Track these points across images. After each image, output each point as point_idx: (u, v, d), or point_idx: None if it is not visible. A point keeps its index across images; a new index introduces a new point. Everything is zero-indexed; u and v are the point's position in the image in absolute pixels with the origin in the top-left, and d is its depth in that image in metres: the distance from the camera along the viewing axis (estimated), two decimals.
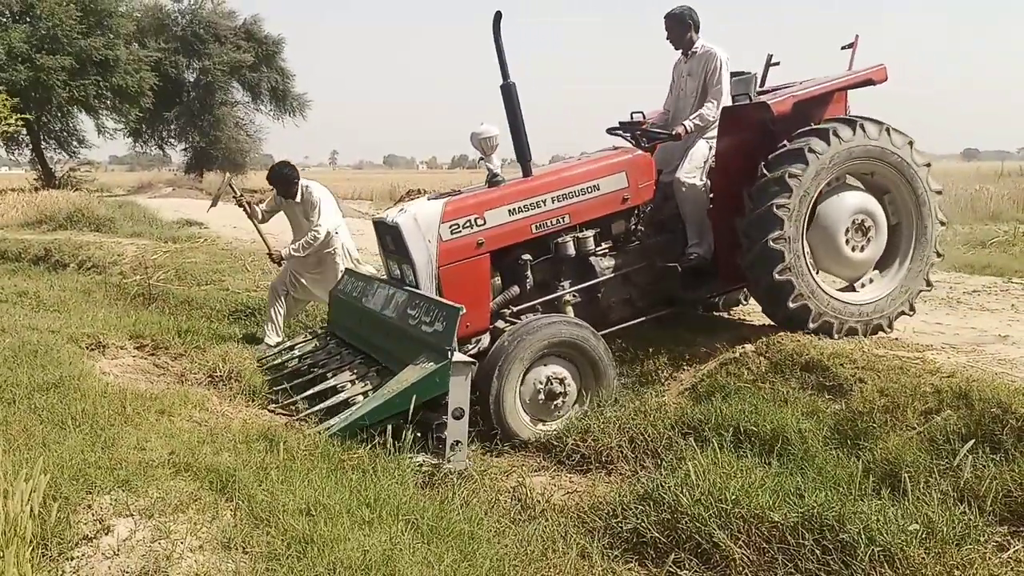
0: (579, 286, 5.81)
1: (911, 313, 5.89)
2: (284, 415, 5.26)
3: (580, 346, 5.28)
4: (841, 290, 5.84)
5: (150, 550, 3.11)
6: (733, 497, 3.80)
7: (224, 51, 35.31)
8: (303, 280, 7.35)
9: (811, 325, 5.49)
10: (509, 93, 5.61)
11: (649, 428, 4.96)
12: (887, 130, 5.62)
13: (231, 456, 4.07)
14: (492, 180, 5.80)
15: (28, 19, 28.06)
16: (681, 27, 6.06)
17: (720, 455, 4.25)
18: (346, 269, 7.09)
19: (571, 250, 5.75)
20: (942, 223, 5.92)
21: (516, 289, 5.71)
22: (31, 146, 31.86)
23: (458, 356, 4.77)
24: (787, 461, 4.32)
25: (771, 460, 4.32)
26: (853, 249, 5.68)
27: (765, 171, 5.48)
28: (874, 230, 5.72)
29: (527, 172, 5.80)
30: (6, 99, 22.74)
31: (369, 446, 4.52)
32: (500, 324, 5.57)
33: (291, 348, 6.63)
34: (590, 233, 5.80)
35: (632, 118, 6.22)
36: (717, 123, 5.89)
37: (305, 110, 38.85)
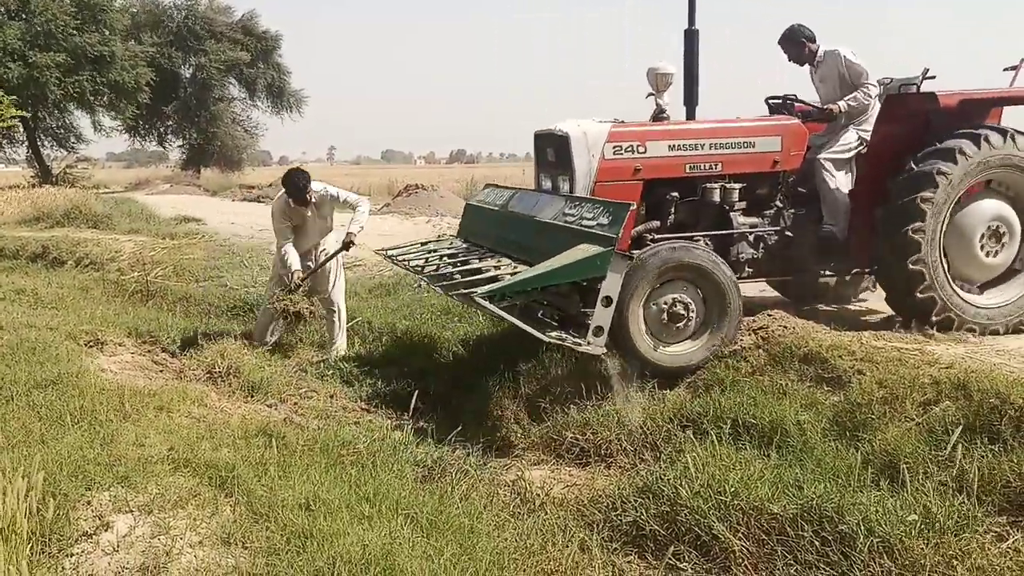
0: (713, 233, 5.94)
1: None
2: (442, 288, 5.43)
3: (709, 273, 5.36)
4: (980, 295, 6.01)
5: (150, 546, 3.11)
6: (732, 489, 3.80)
7: (221, 47, 35.21)
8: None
9: (934, 318, 5.66)
10: (691, 39, 6.03)
11: (648, 421, 4.96)
12: (1011, 136, 5.76)
13: (230, 452, 4.07)
14: (658, 116, 6.09)
15: (23, 16, 27.96)
16: (797, 46, 6.35)
17: (719, 447, 4.25)
18: (487, 184, 7.19)
19: (716, 197, 5.90)
20: None
21: (656, 223, 5.85)
22: (27, 143, 31.78)
23: (621, 251, 4.91)
24: (786, 453, 4.31)
25: (770, 452, 4.31)
26: (987, 254, 5.85)
27: (914, 165, 5.68)
28: (1008, 237, 5.88)
29: (691, 115, 6.21)
30: (2, 96, 22.64)
31: (368, 441, 4.53)
32: (636, 252, 5.59)
33: (427, 245, 6.77)
34: (736, 186, 5.94)
35: (782, 97, 6.50)
36: (870, 113, 6.15)
37: (302, 106, 38.78)
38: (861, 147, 6.17)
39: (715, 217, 5.99)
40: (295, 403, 5.59)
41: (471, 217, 6.98)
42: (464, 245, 6.53)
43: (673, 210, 5.91)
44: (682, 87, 6.10)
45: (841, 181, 6.10)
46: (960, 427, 4.04)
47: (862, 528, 3.43)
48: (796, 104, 6.34)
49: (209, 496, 3.53)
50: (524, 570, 3.36)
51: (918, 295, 5.64)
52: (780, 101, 6.46)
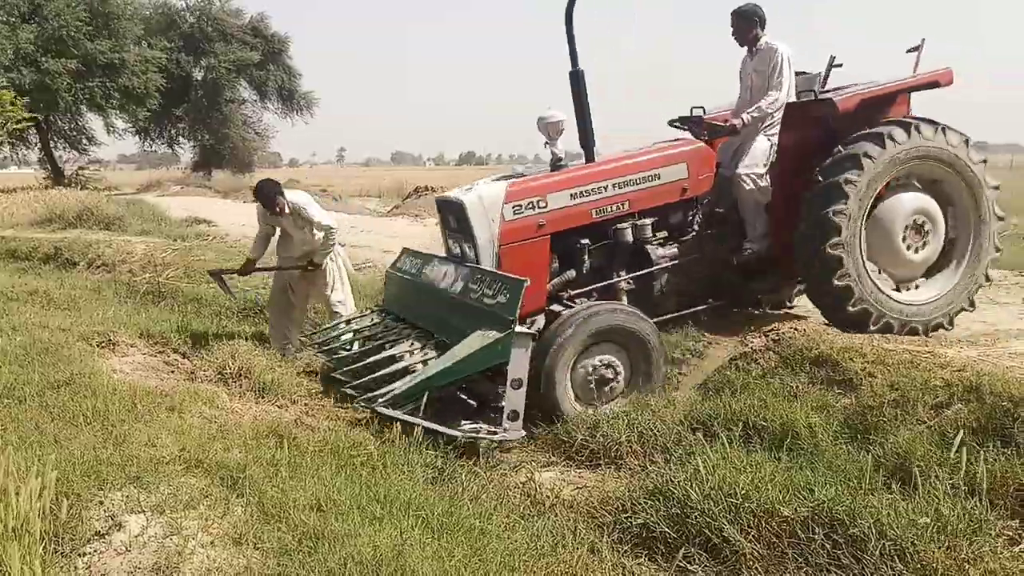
0: (634, 274, 5.88)
1: (971, 309, 5.99)
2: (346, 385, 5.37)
3: (634, 334, 5.31)
4: (896, 290, 5.91)
5: (162, 546, 3.12)
6: (743, 492, 3.78)
7: (231, 49, 35.33)
8: (297, 288, 7.33)
9: (872, 327, 5.58)
10: (577, 80, 5.71)
11: (658, 423, 4.95)
12: (942, 130, 5.70)
13: (241, 452, 4.08)
14: (556, 164, 5.93)
15: (35, 20, 28.13)
16: (747, 24, 6.15)
17: (729, 450, 4.24)
18: (404, 248, 7.14)
19: (628, 237, 5.82)
20: (1000, 218, 5.98)
21: (572, 273, 5.81)
22: (40, 145, 31.97)
23: (520, 328, 4.85)
24: (797, 455, 4.30)
25: (781, 455, 4.30)
26: (910, 249, 5.76)
27: (820, 177, 5.59)
28: (931, 230, 5.79)
29: (590, 158, 5.91)
30: (15, 97, 22.79)
31: (378, 442, 4.54)
32: (556, 307, 5.64)
33: (349, 322, 6.72)
34: (648, 221, 5.88)
35: (692, 113, 6.33)
36: (778, 119, 5.97)
37: (312, 108, 38.89)
38: (773, 155, 6.03)
39: (632, 256, 5.91)
40: (306, 404, 5.59)
41: (391, 286, 6.83)
42: (381, 320, 6.41)
43: (587, 257, 5.83)
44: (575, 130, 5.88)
45: (759, 194, 5.97)
46: (967, 429, 4.03)
47: (874, 531, 3.42)
48: (698, 124, 6.14)
49: (221, 496, 3.54)
50: (534, 571, 3.36)
51: (850, 309, 5.57)
52: (682, 122, 6.30)
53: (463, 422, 4.93)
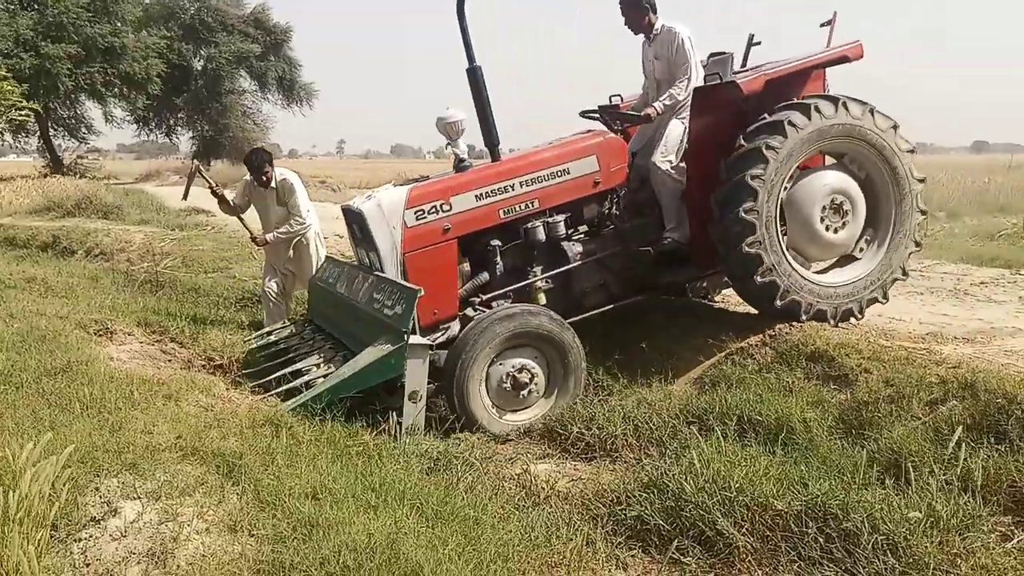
0: (550, 272, 5.73)
1: (884, 301, 5.76)
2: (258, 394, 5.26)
3: (548, 336, 5.22)
4: (816, 272, 5.72)
5: (157, 532, 3.13)
6: (737, 485, 3.80)
7: (232, 40, 35.27)
8: (285, 273, 7.39)
9: (777, 303, 5.40)
10: (475, 76, 5.50)
11: (654, 417, 4.98)
12: (871, 111, 5.50)
13: (237, 441, 4.09)
14: (459, 166, 5.73)
15: (35, 6, 28.06)
16: (637, 11, 5.91)
17: (724, 444, 4.25)
18: (326, 256, 7.11)
19: (541, 235, 5.65)
20: (923, 212, 5.79)
21: (485, 276, 5.64)
22: (39, 133, 31.93)
23: (415, 339, 4.76)
24: (791, 450, 4.33)
25: (775, 449, 4.32)
26: (828, 230, 5.53)
27: (743, 142, 5.36)
28: (851, 212, 5.57)
29: (495, 157, 5.74)
30: (13, 85, 22.75)
31: (375, 432, 4.55)
32: (470, 312, 5.49)
33: (269, 334, 6.59)
34: (561, 218, 5.71)
35: (611, 101, 6.18)
36: (686, 103, 5.78)
37: (312, 99, 38.84)
38: (686, 135, 5.83)
39: (547, 254, 5.77)
40: None
41: (314, 296, 6.71)
42: (299, 332, 6.35)
43: (499, 259, 5.66)
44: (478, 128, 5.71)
45: (677, 180, 5.78)
46: (962, 426, 4.04)
47: (866, 525, 3.43)
48: (611, 114, 6.01)
49: (216, 484, 3.55)
50: (528, 562, 3.37)
51: (757, 279, 5.33)
52: (596, 113, 6.13)
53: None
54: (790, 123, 5.30)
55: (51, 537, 3.02)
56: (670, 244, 5.76)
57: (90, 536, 3.11)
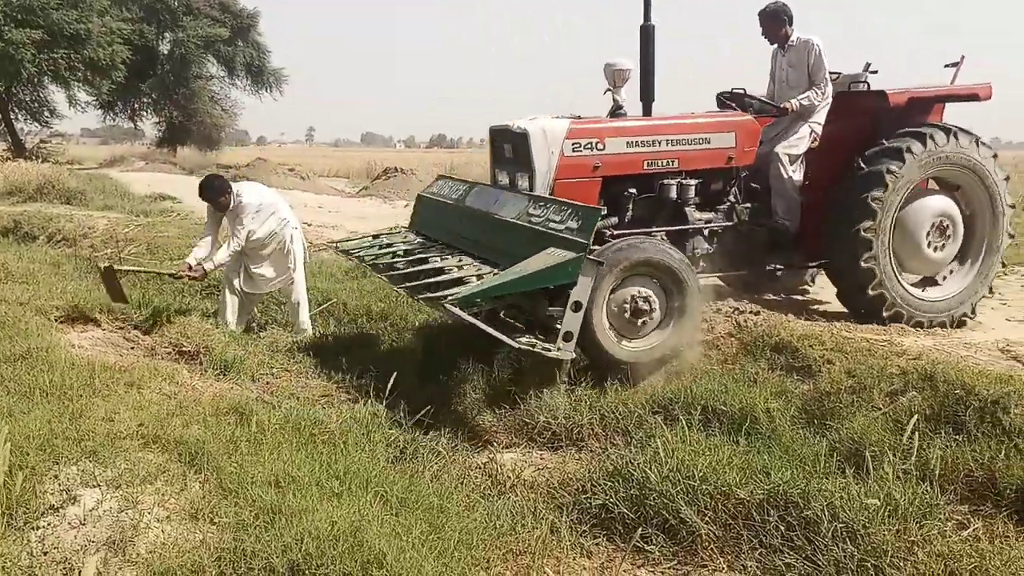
0: (670, 228, 5.98)
1: (972, 316, 6.27)
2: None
3: (667, 267, 5.35)
4: (914, 285, 6.20)
5: (116, 520, 3.09)
6: (701, 474, 3.84)
7: (198, 24, 34.72)
8: (254, 273, 7.25)
9: (884, 314, 5.91)
10: (647, 34, 6.02)
11: (620, 407, 5.00)
12: (976, 141, 6.00)
13: (200, 429, 4.04)
14: (615, 112, 6.17)
15: None
16: (776, 23, 6.43)
17: (689, 433, 4.29)
18: (439, 176, 7.21)
19: (672, 194, 5.97)
20: (1011, 236, 6.33)
21: (614, 220, 5.88)
22: (1, 117, 31.26)
23: (592, 256, 4.92)
24: (755, 440, 4.36)
25: (739, 439, 4.36)
26: (932, 248, 6.03)
27: (863, 164, 5.84)
28: (952, 233, 6.07)
29: (648, 111, 6.15)
30: None
31: (340, 421, 4.53)
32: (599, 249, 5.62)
33: (379, 239, 6.72)
34: (692, 182, 6.03)
35: (733, 92, 6.57)
36: (821, 109, 6.29)
37: (281, 86, 38.37)
38: (813, 142, 6.25)
39: (671, 213, 6.06)
40: (267, 383, 5.56)
41: (424, 210, 6.81)
42: (418, 240, 6.41)
43: (631, 206, 5.93)
44: (638, 83, 6.18)
45: (794, 174, 6.18)
46: (921, 416, 4.12)
47: (826, 514, 3.48)
48: (749, 98, 6.38)
49: (178, 472, 3.52)
50: (493, 550, 3.38)
51: (870, 292, 5.80)
52: (731, 97, 6.50)
53: (519, 336, 4.94)
54: (908, 150, 5.85)
55: (8, 525, 2.98)
56: (780, 226, 6.20)
57: (48, 524, 3.07)
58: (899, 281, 5.91)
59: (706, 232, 6.10)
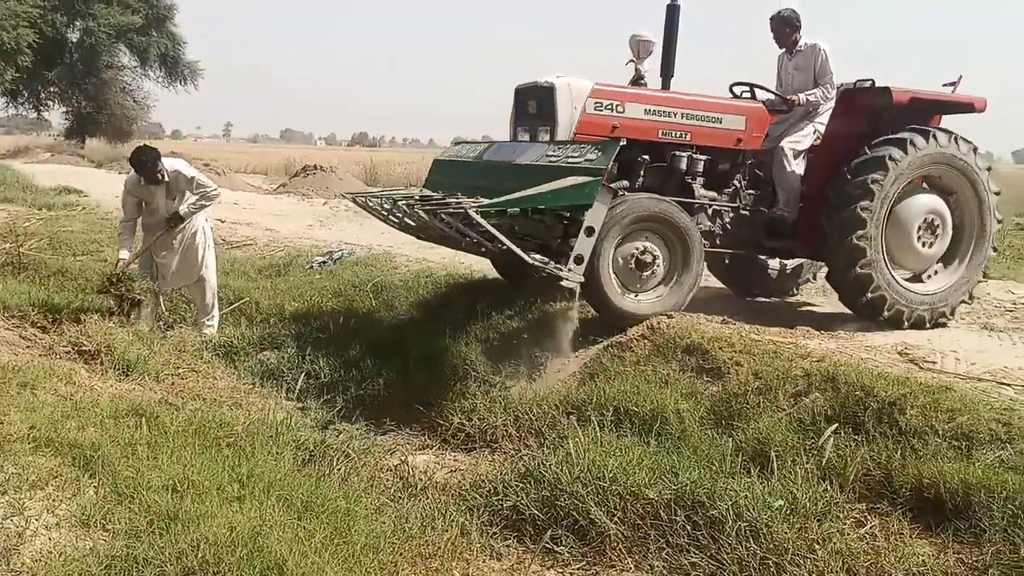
0: (678, 200, 6.09)
1: (970, 302, 6.61)
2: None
3: (676, 226, 5.73)
4: (908, 280, 6.39)
5: (1, 528, 2.93)
6: (611, 475, 3.88)
7: (111, 12, 33.47)
8: (163, 264, 6.98)
9: (885, 314, 6.10)
10: (672, 13, 6.33)
11: (534, 408, 5.02)
12: (955, 139, 6.28)
13: (97, 431, 3.86)
14: (636, 81, 6.54)
15: None
16: (788, 28, 6.69)
17: (601, 434, 4.33)
18: (455, 140, 7.41)
19: (682, 165, 6.17)
20: (999, 221, 6.59)
21: (626, 183, 5.99)
22: None
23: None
24: (665, 440, 4.43)
25: (650, 439, 4.42)
26: (923, 245, 6.28)
27: (848, 175, 6.08)
28: (942, 228, 6.35)
29: (667, 85, 6.45)
30: None
31: (247, 423, 4.41)
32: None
33: (395, 193, 6.74)
34: (701, 158, 6.24)
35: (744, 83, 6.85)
36: (825, 109, 6.55)
37: (197, 79, 37.27)
38: (816, 139, 6.57)
39: (679, 185, 6.28)
40: (172, 383, 5.37)
41: (440, 170, 7.11)
42: (430, 194, 6.49)
43: (643, 173, 6.12)
44: (659, 58, 6.48)
45: (797, 168, 6.50)
46: (823, 417, 4.25)
47: (731, 513, 3.56)
48: (759, 90, 6.70)
49: (71, 477, 3.36)
50: (401, 553, 3.34)
51: (869, 295, 6.06)
52: (745, 87, 6.80)
53: (533, 253, 5.24)
54: (911, 143, 6.07)
55: None
56: (779, 217, 6.46)
57: None
58: (887, 267, 6.16)
59: (709, 210, 6.33)
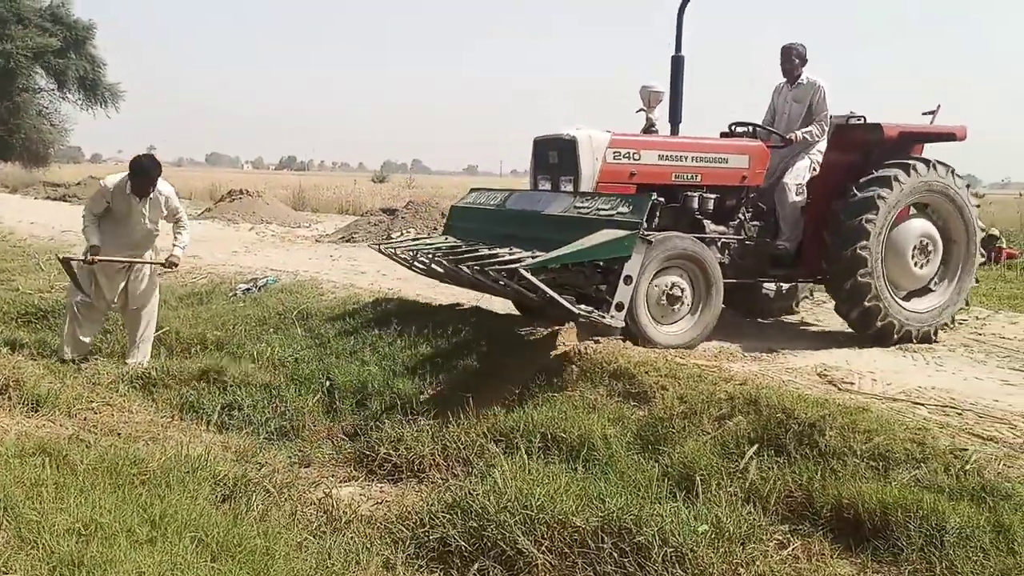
0: (690, 235, 6.41)
1: (952, 326, 7.15)
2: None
3: (703, 263, 6.12)
4: (905, 298, 6.87)
5: None
6: (539, 503, 3.83)
7: (27, 34, 32.46)
8: (111, 291, 6.70)
9: (877, 324, 6.53)
10: (678, 64, 7.18)
11: (462, 436, 4.95)
12: (952, 172, 6.81)
13: (1, 472, 3.68)
14: (648, 129, 7.05)
15: None
16: (798, 60, 7.15)
17: (528, 462, 4.28)
18: (472, 188, 7.80)
19: (694, 205, 6.61)
20: (982, 255, 7.32)
21: (644, 224, 6.16)
22: None
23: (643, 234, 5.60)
24: (592, 466, 4.40)
25: (577, 465, 4.39)
26: (916, 265, 6.78)
27: (856, 191, 6.53)
28: (933, 253, 6.85)
29: (675, 131, 7.13)
30: None
31: (163, 459, 4.25)
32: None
33: (419, 241, 7.39)
34: (711, 196, 6.67)
35: (731, 128, 7.37)
36: (820, 142, 7.04)
37: (118, 101, 36.33)
38: (813, 171, 7.03)
39: (691, 222, 6.66)
40: (85, 419, 5.16)
41: (460, 217, 7.48)
42: (457, 241, 6.83)
43: (659, 214, 6.47)
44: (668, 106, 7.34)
45: (797, 201, 6.93)
46: (746, 440, 4.30)
47: (657, 539, 3.55)
48: (759, 128, 7.19)
49: None
50: None
51: (866, 303, 6.48)
52: (744, 127, 7.27)
53: (579, 305, 5.64)
54: (895, 179, 6.53)
55: None
56: (782, 249, 6.92)
57: None
58: (890, 294, 6.59)
59: (719, 243, 6.66)
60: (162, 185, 6.60)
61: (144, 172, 6.42)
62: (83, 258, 6.52)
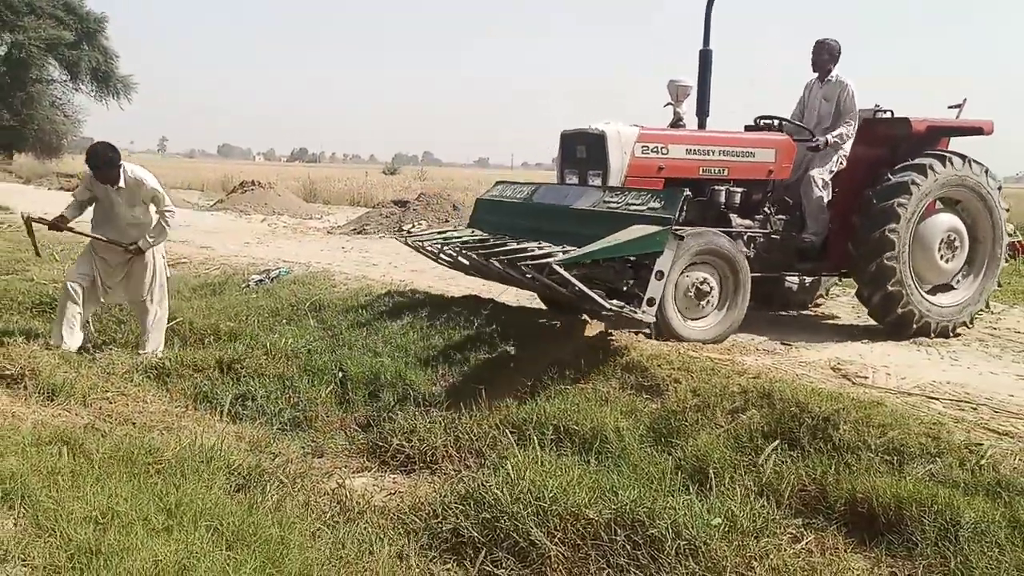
0: (718, 230, 6.46)
1: (970, 325, 7.08)
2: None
3: (731, 259, 6.17)
4: (929, 292, 6.96)
5: None
6: (551, 495, 3.84)
7: (41, 25, 32.63)
8: (110, 278, 6.66)
9: (898, 311, 6.58)
10: (705, 58, 7.26)
11: (475, 427, 4.96)
12: (969, 162, 6.84)
13: (18, 460, 3.70)
14: (676, 123, 7.08)
15: None
16: (829, 56, 7.21)
17: (541, 453, 4.29)
18: (498, 181, 7.84)
19: (721, 199, 6.64)
20: (1009, 234, 7.30)
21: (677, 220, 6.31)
22: None
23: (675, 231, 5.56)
24: (605, 458, 4.41)
25: (590, 458, 4.40)
26: (942, 259, 6.86)
27: (891, 176, 6.61)
28: (959, 248, 6.94)
29: (703, 125, 7.21)
30: None
31: (178, 448, 4.27)
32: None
33: (446, 234, 7.19)
34: (738, 190, 6.70)
35: (756, 122, 7.43)
36: (848, 144, 7.06)
37: (131, 93, 36.52)
38: (840, 166, 7.08)
39: (717, 216, 6.70)
40: (100, 408, 5.18)
41: (486, 210, 7.47)
42: (484, 235, 6.84)
43: (686, 207, 6.37)
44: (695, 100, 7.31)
45: (824, 195, 6.98)
46: (759, 433, 4.29)
47: (670, 531, 3.54)
48: (786, 123, 7.17)
49: None
50: None
51: (899, 311, 6.50)
52: (771, 120, 7.28)
53: (612, 300, 5.49)
54: (931, 167, 6.62)
55: None
56: (808, 242, 6.94)
57: None
58: (914, 283, 6.63)
59: (745, 236, 6.69)
60: (135, 170, 6.51)
61: (99, 159, 6.30)
62: (48, 222, 6.49)
